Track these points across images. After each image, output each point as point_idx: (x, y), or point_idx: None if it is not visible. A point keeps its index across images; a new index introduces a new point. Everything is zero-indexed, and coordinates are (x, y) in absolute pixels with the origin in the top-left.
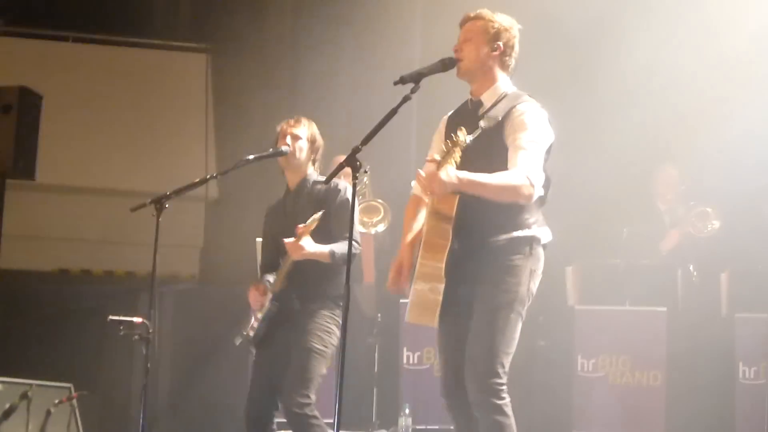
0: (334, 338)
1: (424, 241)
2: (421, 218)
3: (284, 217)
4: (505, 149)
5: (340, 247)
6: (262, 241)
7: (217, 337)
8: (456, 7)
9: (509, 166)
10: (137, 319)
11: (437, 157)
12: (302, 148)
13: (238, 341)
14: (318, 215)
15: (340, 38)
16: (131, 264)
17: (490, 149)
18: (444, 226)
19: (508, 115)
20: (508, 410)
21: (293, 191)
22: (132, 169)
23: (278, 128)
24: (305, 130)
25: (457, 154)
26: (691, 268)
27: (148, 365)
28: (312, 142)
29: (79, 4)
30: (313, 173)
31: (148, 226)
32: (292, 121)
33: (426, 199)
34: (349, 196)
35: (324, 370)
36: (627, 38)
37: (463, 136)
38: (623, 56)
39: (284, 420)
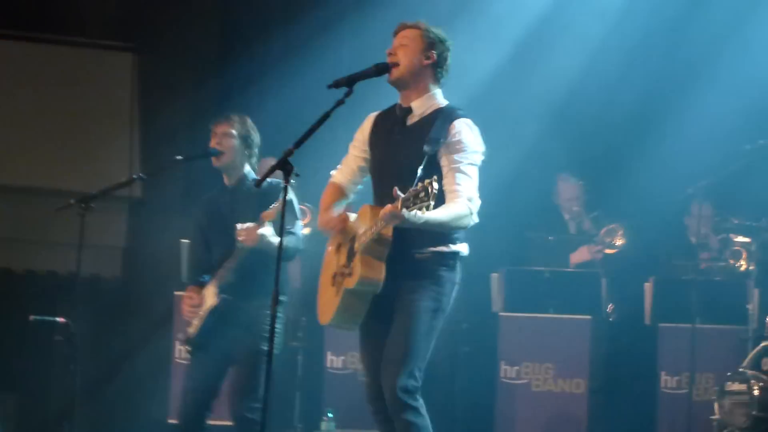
0: (280, 336)
1: (363, 260)
2: (338, 209)
3: (219, 214)
4: (420, 157)
5: (288, 240)
6: (192, 236)
7: (138, 337)
8: (387, 7)
9: (448, 188)
10: (59, 319)
11: (400, 194)
12: (232, 147)
13: (181, 343)
14: (277, 204)
15: (269, 37)
16: (52, 263)
17: (412, 160)
18: (384, 248)
19: (438, 128)
20: (423, 411)
21: (230, 189)
22: (55, 167)
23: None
24: (235, 128)
25: (423, 207)
26: (609, 309)
27: (71, 366)
28: (243, 138)
29: (4, 1)
30: (251, 172)
31: (70, 226)
32: (222, 120)
33: (347, 192)
34: (293, 195)
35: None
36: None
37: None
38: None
39: (223, 423)
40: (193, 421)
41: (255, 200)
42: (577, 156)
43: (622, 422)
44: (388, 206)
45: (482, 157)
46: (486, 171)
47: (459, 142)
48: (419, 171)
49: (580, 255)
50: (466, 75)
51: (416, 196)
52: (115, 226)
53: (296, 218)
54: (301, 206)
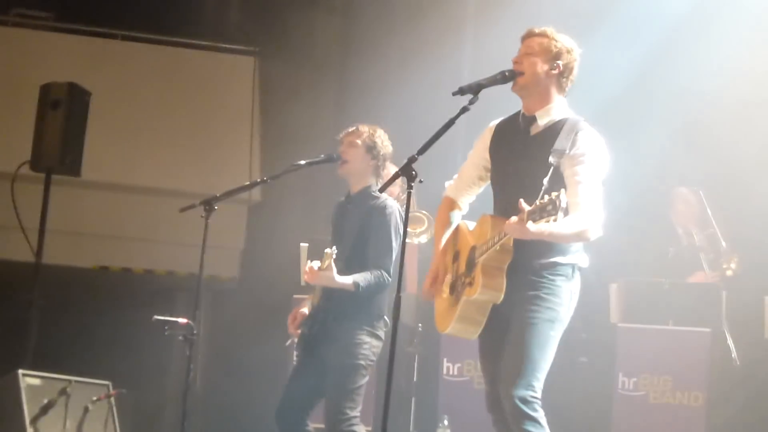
0: (368, 349)
1: (485, 270)
2: (454, 223)
3: (337, 222)
4: (545, 168)
5: (366, 279)
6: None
7: (255, 339)
8: (508, 13)
9: (571, 201)
10: (182, 320)
11: (526, 206)
12: (356, 156)
13: (288, 342)
14: (331, 251)
15: (389, 43)
16: (171, 263)
17: (536, 170)
18: (505, 258)
19: (572, 146)
20: (543, 422)
21: (350, 198)
22: (176, 168)
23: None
24: (362, 138)
25: (551, 219)
26: (731, 348)
27: (191, 366)
28: (369, 149)
29: (129, 2)
30: (375, 184)
31: (189, 226)
32: (350, 129)
33: (462, 204)
34: (391, 223)
35: (362, 382)
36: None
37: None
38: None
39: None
40: (291, 424)
41: (361, 216)
42: (703, 169)
43: None
44: (514, 219)
45: (606, 168)
46: (610, 179)
47: (583, 154)
48: (545, 182)
49: (697, 279)
50: (597, 81)
51: (543, 209)
52: (234, 228)
53: (387, 249)
54: (419, 214)
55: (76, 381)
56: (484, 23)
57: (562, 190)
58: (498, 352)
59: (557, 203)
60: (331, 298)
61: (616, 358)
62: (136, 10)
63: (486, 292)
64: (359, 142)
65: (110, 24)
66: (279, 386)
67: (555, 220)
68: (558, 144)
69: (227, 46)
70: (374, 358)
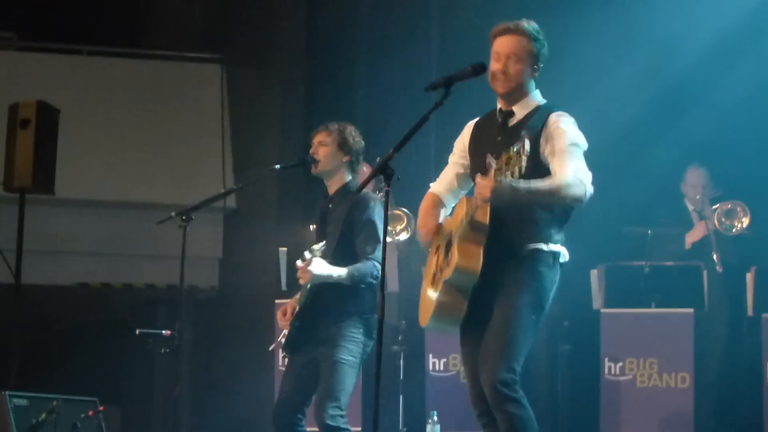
0: (360, 346)
1: (460, 248)
2: (440, 216)
3: (320, 223)
4: (536, 159)
5: (359, 269)
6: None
7: (238, 346)
8: (472, 11)
9: (553, 169)
10: (165, 332)
11: (494, 165)
12: (327, 155)
13: (272, 347)
14: (320, 246)
15: (355, 41)
16: (150, 276)
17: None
18: (480, 235)
19: (544, 125)
20: (525, 402)
21: (331, 197)
22: (150, 181)
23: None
24: (332, 136)
25: (516, 168)
26: (715, 257)
27: (177, 376)
28: (341, 146)
29: (92, 17)
30: (352, 180)
31: (166, 238)
32: (320, 128)
33: (445, 202)
34: (375, 215)
35: (354, 381)
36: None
37: (515, 152)
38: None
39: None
40: (287, 425)
41: (343, 212)
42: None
43: (730, 416)
44: (479, 177)
45: (584, 145)
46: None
47: (557, 128)
48: (523, 158)
49: (695, 233)
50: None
51: (508, 159)
52: (211, 237)
53: (376, 241)
54: (397, 211)
55: (63, 399)
56: (448, 13)
57: (526, 140)
58: (479, 345)
59: (521, 151)
60: (319, 295)
61: (601, 344)
62: (100, 24)
63: (462, 270)
64: (330, 140)
65: (75, 40)
66: (264, 391)
67: (522, 170)
68: (530, 122)
69: (193, 55)
70: (365, 357)
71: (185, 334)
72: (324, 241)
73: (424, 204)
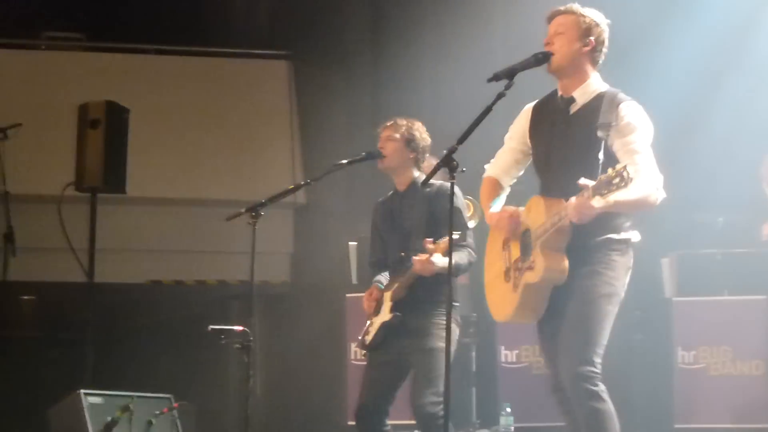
0: (454, 335)
1: (545, 254)
2: (501, 200)
3: (392, 219)
4: (596, 143)
5: (461, 257)
6: (371, 237)
7: (310, 341)
8: (537, 5)
9: (632, 177)
10: (238, 328)
11: (589, 183)
12: (395, 150)
13: (358, 346)
14: (455, 235)
15: (421, 39)
16: (222, 272)
17: (582, 148)
18: (564, 242)
19: (615, 119)
20: (605, 396)
21: (402, 193)
22: (219, 178)
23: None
24: (400, 131)
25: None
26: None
27: (250, 372)
28: (408, 142)
29: (159, 15)
30: (421, 176)
31: (237, 234)
32: (388, 123)
33: (504, 185)
34: (461, 203)
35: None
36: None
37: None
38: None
39: (406, 421)
40: (370, 424)
41: (424, 205)
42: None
43: None
44: (575, 199)
45: (652, 136)
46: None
47: (629, 123)
48: (600, 156)
49: None
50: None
51: (609, 182)
52: (282, 232)
53: (466, 227)
54: (464, 199)
55: (137, 396)
56: (514, 9)
57: (627, 164)
58: (557, 332)
59: (626, 175)
60: (412, 287)
61: (674, 333)
62: (167, 22)
63: (549, 273)
64: (397, 135)
65: (142, 39)
66: (337, 387)
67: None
68: (602, 118)
69: (260, 51)
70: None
71: (258, 329)
72: (458, 231)
73: (486, 188)
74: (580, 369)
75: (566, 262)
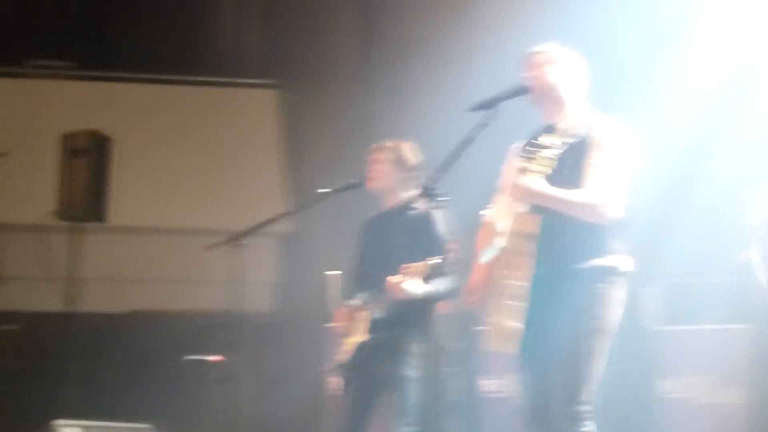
0: (429, 364)
1: (505, 260)
2: (495, 246)
3: (376, 239)
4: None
5: (440, 284)
6: (358, 253)
7: (293, 371)
8: (526, 33)
9: (587, 185)
10: (215, 358)
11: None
12: (385, 173)
13: (327, 368)
14: (433, 262)
15: (409, 67)
16: (206, 302)
17: (569, 169)
18: (527, 244)
19: (588, 133)
20: None
21: (389, 214)
22: (204, 207)
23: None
24: (388, 154)
25: (539, 167)
26: None
27: (228, 403)
28: (398, 164)
29: (146, 44)
30: (411, 197)
31: (221, 265)
32: (377, 146)
33: (498, 228)
34: (442, 229)
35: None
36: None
37: (547, 149)
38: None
39: None
40: None
41: (408, 229)
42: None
43: None
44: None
45: (631, 159)
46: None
47: (600, 141)
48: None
49: None
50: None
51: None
52: (267, 262)
53: (448, 255)
54: None
55: (117, 427)
56: (502, 34)
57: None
58: (539, 363)
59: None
60: (391, 311)
61: (656, 362)
62: (154, 51)
63: (508, 283)
64: (386, 157)
65: (129, 68)
66: (319, 417)
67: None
68: (573, 130)
69: (248, 80)
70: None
71: (240, 359)
72: (439, 257)
73: (479, 240)
74: (570, 409)
75: (527, 278)
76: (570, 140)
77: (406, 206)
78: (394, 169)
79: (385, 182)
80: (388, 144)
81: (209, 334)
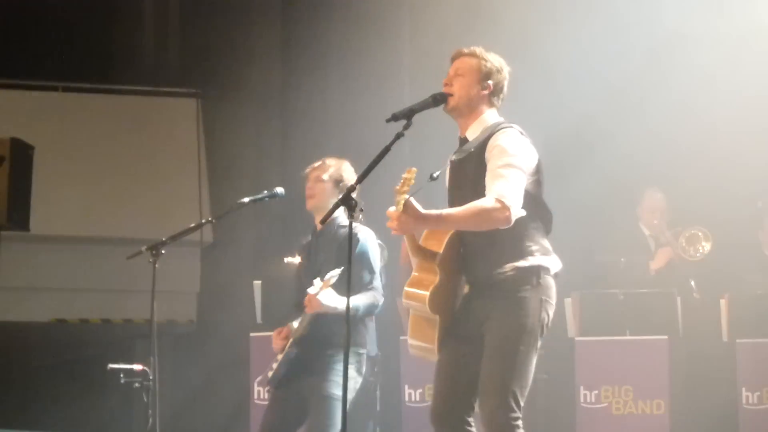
0: (353, 382)
1: (411, 278)
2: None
3: (309, 257)
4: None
5: (362, 300)
6: (295, 277)
7: (215, 380)
8: (443, 42)
9: (486, 193)
10: (137, 367)
11: (405, 197)
12: (323, 191)
13: (259, 378)
14: (337, 272)
15: (329, 77)
16: (128, 311)
17: (474, 180)
18: (429, 264)
19: (483, 144)
20: None
21: (319, 232)
22: (126, 216)
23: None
24: (328, 172)
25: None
26: (692, 284)
27: (149, 412)
28: (336, 183)
29: (67, 53)
30: (343, 216)
31: (144, 273)
32: (316, 164)
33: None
34: (368, 246)
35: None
36: (612, 63)
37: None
38: (612, 82)
39: None
40: None
41: (335, 245)
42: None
43: None
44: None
45: (528, 163)
46: (556, 194)
47: (496, 146)
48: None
49: (659, 260)
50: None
51: (405, 181)
52: (188, 271)
53: (372, 271)
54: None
55: None
56: (420, 46)
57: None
58: (454, 367)
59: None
60: (316, 326)
61: (576, 372)
62: (75, 60)
63: (411, 303)
64: (326, 177)
65: (49, 76)
66: (241, 427)
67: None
68: (477, 151)
69: (168, 89)
70: (353, 393)
71: (163, 368)
72: (341, 268)
73: (402, 257)
74: (498, 415)
75: (426, 299)
76: (471, 148)
77: (336, 224)
78: (332, 188)
79: (322, 201)
80: (328, 162)
81: (131, 343)
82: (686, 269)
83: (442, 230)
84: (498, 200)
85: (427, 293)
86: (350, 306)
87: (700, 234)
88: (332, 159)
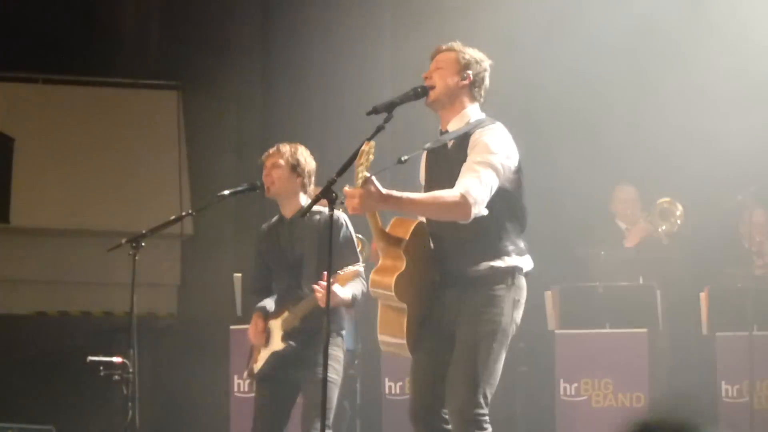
0: (342, 364)
1: (377, 266)
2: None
3: (279, 246)
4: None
5: (356, 288)
6: (255, 264)
7: (195, 373)
8: (425, 37)
9: (455, 184)
10: (117, 359)
11: (366, 174)
12: (280, 177)
13: (246, 375)
14: (353, 268)
15: (310, 70)
16: (109, 304)
17: (452, 173)
18: (394, 250)
19: (464, 137)
20: None
21: (289, 220)
22: (106, 208)
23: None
24: (284, 158)
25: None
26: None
27: (129, 404)
28: (293, 168)
29: (48, 45)
30: (307, 200)
31: (125, 266)
32: (271, 151)
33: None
34: (352, 231)
35: (335, 399)
36: (588, 60)
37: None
38: (588, 78)
39: None
40: None
41: (314, 233)
42: (627, 165)
43: None
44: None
45: (506, 160)
46: (534, 187)
47: (476, 143)
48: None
49: (635, 235)
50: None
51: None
52: (169, 264)
53: (358, 259)
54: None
55: (19, 428)
56: (402, 37)
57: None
58: (431, 363)
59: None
60: (309, 319)
61: (556, 365)
62: (55, 51)
63: (376, 291)
64: (282, 161)
65: (29, 68)
66: (221, 420)
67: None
68: (461, 148)
69: (149, 82)
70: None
71: (143, 360)
72: (357, 263)
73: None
74: (467, 411)
75: (392, 285)
76: (449, 140)
77: (308, 211)
78: (291, 174)
79: (282, 187)
80: (283, 148)
81: (111, 336)
82: (671, 267)
83: (410, 219)
84: (463, 195)
85: (393, 279)
86: (351, 295)
87: (666, 204)
88: (287, 144)
